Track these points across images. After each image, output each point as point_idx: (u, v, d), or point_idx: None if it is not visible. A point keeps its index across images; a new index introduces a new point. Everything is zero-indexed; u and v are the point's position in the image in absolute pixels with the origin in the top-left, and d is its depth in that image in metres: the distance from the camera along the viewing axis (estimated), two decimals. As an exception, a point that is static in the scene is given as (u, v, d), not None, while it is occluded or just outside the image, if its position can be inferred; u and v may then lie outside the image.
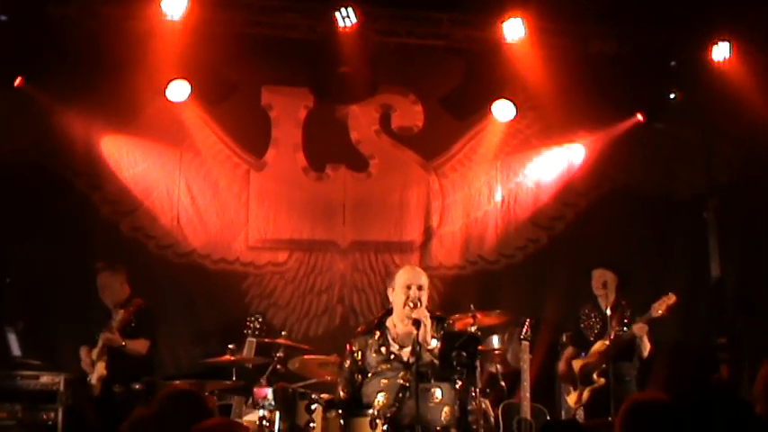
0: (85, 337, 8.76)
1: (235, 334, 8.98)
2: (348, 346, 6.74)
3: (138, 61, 9.38)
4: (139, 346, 8.63)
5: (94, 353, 8.54)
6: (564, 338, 9.39)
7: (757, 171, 10.87)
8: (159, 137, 10.30)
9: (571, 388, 8.98)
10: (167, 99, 9.87)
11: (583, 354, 8.96)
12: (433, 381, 6.46)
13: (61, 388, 8.51)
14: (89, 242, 9.96)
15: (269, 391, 6.93)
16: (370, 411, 6.33)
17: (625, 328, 8.64)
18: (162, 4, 9.33)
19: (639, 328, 8.60)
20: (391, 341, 6.63)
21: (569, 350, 9.16)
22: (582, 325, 9.09)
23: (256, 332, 8.65)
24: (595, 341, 8.87)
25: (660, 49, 10.46)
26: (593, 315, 9.04)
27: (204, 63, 9.73)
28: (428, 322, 6.46)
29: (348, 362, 6.70)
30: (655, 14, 10.05)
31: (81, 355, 8.67)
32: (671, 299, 8.61)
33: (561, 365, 9.20)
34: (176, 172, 10.37)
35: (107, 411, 8.31)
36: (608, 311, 8.73)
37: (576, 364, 8.96)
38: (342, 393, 6.67)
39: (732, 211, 10.89)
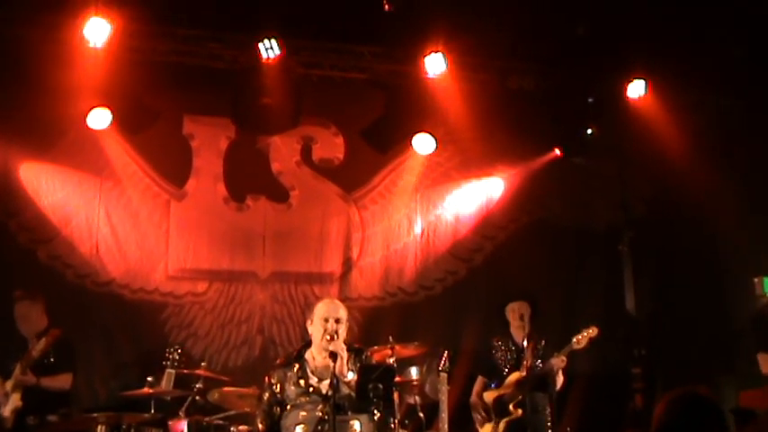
0: None
1: (153, 365, 8.83)
2: (267, 379, 6.73)
3: (58, 87, 9.27)
4: (62, 381, 8.43)
5: (9, 384, 8.33)
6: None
7: (671, 205, 11.14)
8: (79, 164, 10.22)
9: (485, 420, 8.97)
10: (88, 126, 9.81)
11: (493, 385, 9.00)
12: (350, 413, 6.49)
13: (-27, 422, 8.28)
14: (4, 270, 9.74)
15: (184, 425, 6.89)
16: (290, 443, 6.36)
17: (539, 362, 8.70)
18: (84, 31, 9.26)
19: (560, 361, 8.64)
20: (310, 374, 6.64)
21: (479, 381, 9.19)
22: (494, 356, 9.12)
23: (175, 363, 8.53)
24: (509, 373, 8.91)
25: (578, 86, 10.69)
26: (504, 347, 9.07)
27: (126, 91, 9.67)
28: (345, 355, 6.50)
29: (267, 394, 6.69)
30: (573, 52, 10.25)
31: (-7, 388, 8.48)
32: (593, 332, 8.65)
33: (473, 397, 9.19)
34: (96, 200, 10.28)
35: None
36: (524, 343, 8.80)
37: (489, 396, 8.96)
38: (260, 426, 6.66)
39: (646, 244, 11.11)
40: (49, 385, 8.37)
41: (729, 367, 10.63)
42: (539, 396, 8.74)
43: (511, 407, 8.77)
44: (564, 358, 8.64)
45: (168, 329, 10.29)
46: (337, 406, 6.36)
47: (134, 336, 10.20)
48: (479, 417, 9.01)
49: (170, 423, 7.25)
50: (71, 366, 8.61)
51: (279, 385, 6.65)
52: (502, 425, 8.79)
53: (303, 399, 6.58)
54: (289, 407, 6.62)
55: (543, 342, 8.82)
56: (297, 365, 6.68)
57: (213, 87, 10.24)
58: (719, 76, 10.56)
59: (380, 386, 6.32)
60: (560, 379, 8.77)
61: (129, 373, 9.71)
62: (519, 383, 8.77)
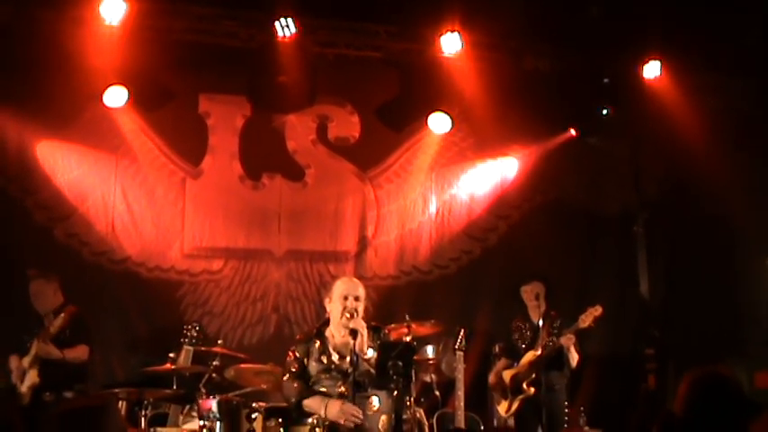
0: (15, 345, 8.56)
1: (169, 342, 8.86)
2: (291, 353, 6.72)
3: (75, 66, 9.26)
4: (80, 352, 8.49)
5: (26, 360, 8.37)
6: (496, 349, 9.46)
7: (685, 186, 11.11)
8: (95, 143, 10.21)
9: (502, 398, 9.07)
10: (104, 105, 9.81)
11: (515, 364, 9.06)
12: (370, 390, 6.53)
13: (-11, 399, 8.33)
14: (21, 248, 9.80)
15: (214, 403, 6.89)
16: (310, 420, 6.39)
17: (554, 338, 8.76)
18: (100, 9, 9.25)
19: (567, 339, 8.69)
20: (331, 350, 6.67)
21: (502, 361, 9.22)
22: (514, 336, 9.18)
23: (193, 340, 8.56)
24: (526, 352, 8.98)
25: (593, 66, 10.65)
26: (524, 326, 9.13)
27: (142, 69, 9.64)
28: (365, 332, 6.52)
29: (295, 365, 6.68)
30: (588, 32, 10.22)
31: (11, 365, 8.48)
32: (597, 310, 8.71)
33: (492, 377, 9.26)
34: (112, 178, 10.29)
35: (36, 421, 8.17)
36: (539, 322, 8.89)
37: (507, 375, 9.03)
38: (295, 385, 6.58)
39: (660, 225, 11.11)
40: (71, 357, 8.43)
41: (742, 349, 10.65)
42: (554, 375, 8.82)
43: (524, 385, 8.84)
44: (571, 336, 8.71)
45: (184, 307, 10.31)
46: (356, 383, 6.40)
47: (150, 313, 10.22)
48: (497, 395, 9.08)
49: (200, 402, 7.21)
50: (87, 339, 8.65)
51: (305, 359, 6.67)
52: (516, 403, 8.89)
53: (323, 375, 6.62)
54: (309, 383, 6.65)
55: (559, 321, 8.86)
56: (318, 342, 6.70)
57: (229, 66, 10.20)
58: (735, 58, 10.54)
59: (400, 363, 6.35)
60: (575, 357, 8.82)
61: (145, 350, 9.75)
62: (533, 362, 8.83)
